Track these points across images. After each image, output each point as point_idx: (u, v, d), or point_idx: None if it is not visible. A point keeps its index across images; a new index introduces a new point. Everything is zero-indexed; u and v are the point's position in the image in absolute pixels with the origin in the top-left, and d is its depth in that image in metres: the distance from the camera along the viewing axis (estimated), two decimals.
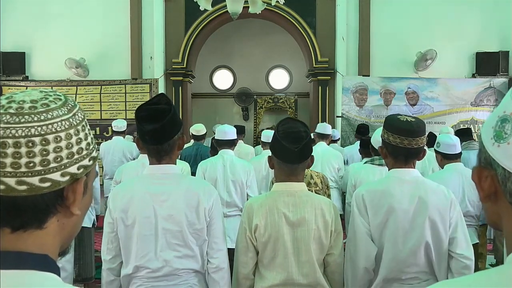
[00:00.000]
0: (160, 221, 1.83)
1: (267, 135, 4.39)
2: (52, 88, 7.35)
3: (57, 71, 7.38)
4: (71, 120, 0.73)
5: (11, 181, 0.67)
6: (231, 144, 3.73)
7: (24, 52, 7.44)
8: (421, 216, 1.91)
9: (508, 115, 0.64)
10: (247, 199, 3.56)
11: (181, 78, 7.71)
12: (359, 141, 4.54)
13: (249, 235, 1.89)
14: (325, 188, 3.17)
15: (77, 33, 7.41)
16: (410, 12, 7.47)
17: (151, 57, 7.52)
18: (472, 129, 7.35)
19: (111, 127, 7.18)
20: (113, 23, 7.48)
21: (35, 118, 0.69)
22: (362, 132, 5.58)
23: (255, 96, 10.29)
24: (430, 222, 1.91)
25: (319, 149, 4.33)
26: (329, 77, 7.61)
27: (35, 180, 0.68)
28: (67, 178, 0.72)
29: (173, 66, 7.60)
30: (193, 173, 3.94)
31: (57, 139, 0.70)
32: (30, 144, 0.68)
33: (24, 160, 0.67)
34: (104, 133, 7.33)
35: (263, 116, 10.17)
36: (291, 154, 1.83)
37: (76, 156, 0.73)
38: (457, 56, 7.51)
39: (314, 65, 7.62)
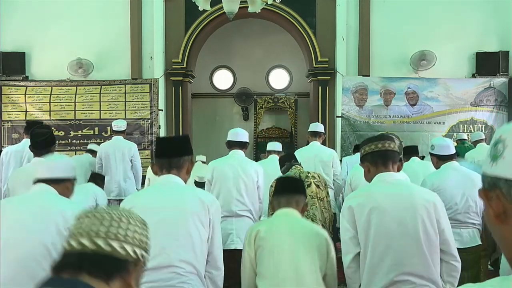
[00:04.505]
0: (165, 224, 1.90)
1: (272, 144, 4.83)
2: (52, 88, 7.36)
3: (57, 71, 7.38)
4: (145, 226, 1.11)
5: (102, 242, 0.99)
6: (242, 145, 3.77)
7: (24, 52, 7.44)
8: (408, 214, 1.97)
9: (498, 137, 0.72)
10: (258, 201, 3.61)
11: (181, 78, 7.70)
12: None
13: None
14: (323, 182, 3.31)
15: (77, 33, 7.41)
16: (410, 12, 7.46)
17: (151, 57, 7.52)
18: (472, 129, 7.37)
19: (110, 127, 7.21)
20: (113, 23, 7.48)
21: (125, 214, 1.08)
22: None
23: (255, 96, 10.27)
24: (418, 220, 1.96)
25: (312, 149, 4.52)
26: (329, 77, 7.61)
27: (116, 244, 1.00)
28: (134, 255, 1.02)
29: (173, 66, 7.59)
30: None
31: (136, 225, 1.06)
32: (118, 220, 1.03)
33: (114, 230, 1.01)
34: (103, 133, 7.33)
35: (263, 116, 10.15)
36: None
37: (143, 245, 1.06)
38: (457, 56, 7.50)
39: (314, 65, 7.61)
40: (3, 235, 1.75)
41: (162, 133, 7.55)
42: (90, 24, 7.44)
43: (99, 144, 7.26)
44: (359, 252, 2.03)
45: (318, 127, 4.81)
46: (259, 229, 2.11)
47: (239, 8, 4.13)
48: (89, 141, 7.33)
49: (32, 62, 7.53)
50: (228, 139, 3.81)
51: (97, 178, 4.77)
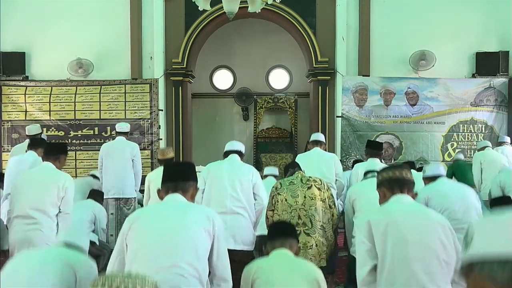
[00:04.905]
0: (169, 230, 1.99)
1: (269, 168, 4.97)
2: (52, 88, 7.36)
3: (57, 71, 7.39)
4: None
5: None
6: (238, 153, 3.83)
7: (24, 52, 7.44)
8: (425, 228, 2.02)
9: (469, 231, 0.90)
10: (255, 199, 3.60)
11: (181, 78, 7.70)
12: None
13: None
14: (325, 185, 3.43)
15: (77, 33, 7.42)
16: (410, 12, 7.47)
17: (151, 57, 7.52)
18: (472, 129, 7.37)
19: (110, 127, 7.23)
20: (113, 23, 7.48)
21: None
22: (377, 146, 5.21)
23: (255, 96, 10.27)
24: (435, 234, 2.01)
25: (314, 153, 4.72)
26: (329, 77, 7.61)
27: None
28: None
29: (173, 66, 7.59)
30: None
31: None
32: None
33: None
34: (103, 133, 7.33)
35: (263, 116, 10.15)
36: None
37: None
38: (457, 56, 7.50)
39: (314, 65, 7.61)
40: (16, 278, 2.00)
41: (162, 133, 7.55)
42: (90, 24, 7.44)
43: (100, 144, 7.28)
44: (375, 265, 2.04)
45: (319, 136, 4.97)
46: (256, 265, 2.30)
47: (239, 8, 4.12)
48: (89, 141, 7.34)
49: (32, 62, 7.53)
50: (225, 150, 3.85)
51: (97, 195, 4.81)
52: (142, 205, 6.72)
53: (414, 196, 2.20)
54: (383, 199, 2.22)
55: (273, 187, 3.48)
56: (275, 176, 4.71)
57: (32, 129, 5.82)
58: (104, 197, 5.45)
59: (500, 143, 6.39)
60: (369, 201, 2.38)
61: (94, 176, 5.63)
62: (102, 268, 4.36)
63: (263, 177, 4.72)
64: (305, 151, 5.00)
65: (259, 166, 9.69)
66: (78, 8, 7.46)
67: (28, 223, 3.29)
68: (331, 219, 3.36)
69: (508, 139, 6.46)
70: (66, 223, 3.37)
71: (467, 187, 3.35)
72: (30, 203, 3.35)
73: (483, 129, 7.37)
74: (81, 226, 4.01)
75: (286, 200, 3.31)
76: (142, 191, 6.17)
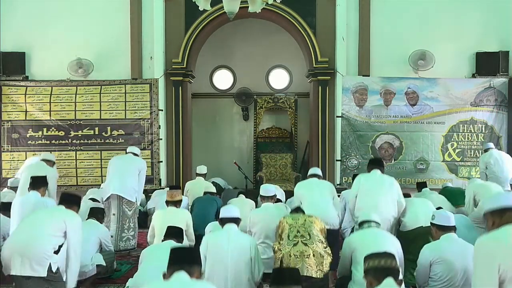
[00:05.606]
0: None
1: (266, 189, 4.72)
2: (52, 88, 7.37)
3: (57, 71, 7.40)
4: None
5: None
6: (235, 221, 3.71)
7: (24, 52, 7.46)
8: None
9: None
10: (253, 270, 3.52)
11: (181, 78, 7.71)
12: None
13: None
14: (323, 224, 3.73)
15: (77, 33, 7.44)
16: (410, 12, 7.48)
17: (151, 57, 7.53)
18: (472, 129, 7.38)
19: (110, 127, 7.24)
20: (113, 23, 7.49)
21: None
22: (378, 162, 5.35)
23: (255, 96, 10.26)
24: None
25: (313, 180, 4.99)
26: (329, 77, 7.61)
27: None
28: None
29: (173, 66, 7.60)
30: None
31: None
32: None
33: None
34: (103, 133, 7.33)
35: (263, 116, 10.13)
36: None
37: None
38: (457, 56, 7.51)
39: (314, 65, 7.62)
40: None
41: (162, 133, 7.55)
42: (90, 24, 7.45)
43: (100, 145, 7.31)
44: None
45: (317, 170, 5.21)
46: None
47: (239, 8, 4.12)
48: (89, 141, 7.34)
49: (32, 62, 7.54)
50: (221, 217, 3.75)
51: (98, 213, 4.58)
52: (143, 207, 6.75)
53: (400, 283, 2.29)
54: (369, 287, 2.33)
55: (280, 222, 3.76)
56: (271, 198, 4.55)
57: (48, 155, 5.99)
58: (107, 195, 5.46)
59: (486, 150, 6.51)
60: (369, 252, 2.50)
61: (94, 200, 5.58)
62: (106, 272, 4.35)
63: (261, 198, 4.62)
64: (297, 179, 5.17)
65: (259, 166, 9.68)
66: (78, 8, 7.48)
67: (26, 237, 3.32)
68: (324, 244, 3.54)
69: (491, 144, 6.62)
70: (75, 254, 3.45)
71: (472, 249, 3.26)
72: (33, 225, 3.41)
73: (483, 129, 7.38)
74: (87, 256, 4.00)
75: (287, 222, 3.67)
76: (144, 191, 6.25)
